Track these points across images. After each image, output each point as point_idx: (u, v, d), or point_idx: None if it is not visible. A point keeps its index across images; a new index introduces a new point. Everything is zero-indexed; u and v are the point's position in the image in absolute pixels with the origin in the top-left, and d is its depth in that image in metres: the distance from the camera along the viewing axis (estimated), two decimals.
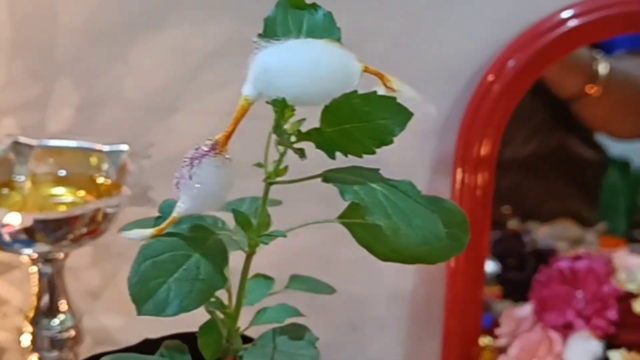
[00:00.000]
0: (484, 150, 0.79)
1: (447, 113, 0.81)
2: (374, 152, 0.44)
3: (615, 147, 1.47)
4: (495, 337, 0.86)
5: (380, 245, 0.48)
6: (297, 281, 0.57)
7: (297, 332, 0.49)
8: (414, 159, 0.83)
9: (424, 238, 0.43)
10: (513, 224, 1.20)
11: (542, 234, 1.20)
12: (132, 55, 0.83)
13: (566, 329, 0.79)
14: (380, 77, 0.46)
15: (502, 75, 0.77)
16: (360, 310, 0.88)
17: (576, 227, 1.24)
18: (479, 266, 0.82)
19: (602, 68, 1.03)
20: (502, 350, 0.83)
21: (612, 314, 0.78)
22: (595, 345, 0.77)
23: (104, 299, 0.91)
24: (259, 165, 0.47)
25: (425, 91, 0.82)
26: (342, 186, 0.43)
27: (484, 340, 0.88)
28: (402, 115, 0.43)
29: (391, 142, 0.44)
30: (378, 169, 0.46)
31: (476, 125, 0.78)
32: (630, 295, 0.80)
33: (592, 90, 1.02)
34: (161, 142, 0.82)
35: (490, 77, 0.78)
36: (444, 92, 0.81)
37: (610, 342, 0.78)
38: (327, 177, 0.44)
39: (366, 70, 0.46)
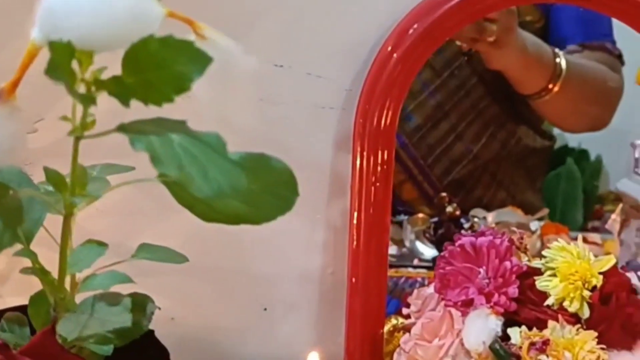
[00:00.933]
0: (383, 123, 0.74)
1: (349, 86, 0.77)
2: (172, 100, 0.40)
3: (573, 136, 1.43)
4: (406, 317, 0.81)
5: (201, 204, 0.43)
6: (146, 250, 0.53)
7: (115, 299, 0.45)
8: (315, 136, 0.79)
9: (220, 189, 0.39)
10: (452, 209, 1.17)
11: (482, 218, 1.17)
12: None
13: (468, 306, 0.74)
14: (190, 23, 0.42)
15: (401, 44, 0.73)
16: (269, 292, 0.84)
17: (521, 213, 1.21)
18: (381, 246, 0.77)
19: (563, 64, 1.00)
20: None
21: (513, 290, 0.73)
22: (494, 322, 0.72)
23: (11, 282, 0.87)
24: (64, 118, 0.43)
25: (327, 64, 0.78)
26: (132, 136, 0.39)
27: (395, 321, 0.84)
28: (201, 60, 0.39)
29: (189, 88, 0.40)
30: (184, 121, 0.42)
31: (375, 97, 0.74)
32: (534, 272, 0.75)
33: (555, 87, 1.00)
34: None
35: (390, 47, 0.74)
36: (346, 65, 0.77)
37: (511, 319, 0.73)
38: (123, 127, 0.40)
39: (171, 15, 0.41)
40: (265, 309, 0.84)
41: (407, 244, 1.18)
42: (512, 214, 1.19)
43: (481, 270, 0.75)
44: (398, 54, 0.72)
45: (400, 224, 1.19)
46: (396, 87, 0.73)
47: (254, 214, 0.44)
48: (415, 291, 0.81)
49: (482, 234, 0.77)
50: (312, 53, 0.76)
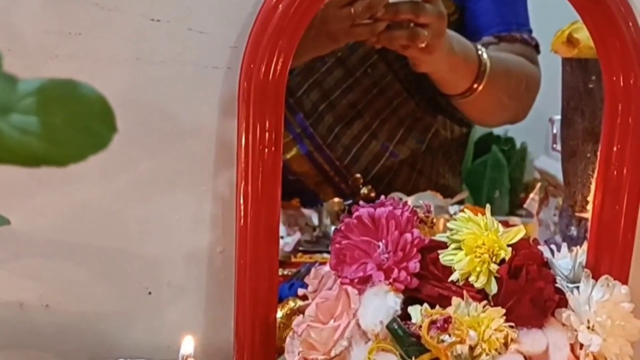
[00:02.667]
0: (271, 80, 0.64)
1: (234, 43, 0.67)
2: None
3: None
4: (303, 298, 0.72)
5: None
6: None
7: None
8: (199, 99, 0.69)
9: None
10: (366, 190, 1.09)
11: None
12: None
13: (365, 284, 0.64)
14: None
15: None
16: (154, 274, 0.73)
17: (440, 197, 1.14)
18: (272, 221, 0.67)
19: (487, 63, 0.95)
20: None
21: (414, 265, 0.64)
22: (393, 300, 0.63)
23: None
24: None
25: (209, 18, 0.68)
26: None
27: (292, 304, 0.74)
28: None
29: None
30: None
31: (260, 53, 0.64)
32: (438, 246, 0.66)
33: (479, 86, 0.95)
34: None
35: None
36: (230, 19, 0.67)
37: (413, 297, 0.64)
38: None
39: None
40: (149, 293, 0.73)
41: (322, 228, 1.09)
42: (431, 198, 1.11)
43: (380, 243, 0.66)
44: (284, 5, 0.63)
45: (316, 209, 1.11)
46: (284, 40, 0.63)
47: (57, 152, 0.34)
48: (313, 270, 0.71)
49: (382, 204, 0.67)
50: (192, 6, 0.66)
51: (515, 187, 1.32)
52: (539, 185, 1.01)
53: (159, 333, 0.73)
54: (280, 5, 0.63)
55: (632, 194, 0.65)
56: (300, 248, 1.04)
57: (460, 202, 1.13)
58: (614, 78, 0.62)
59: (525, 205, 1.02)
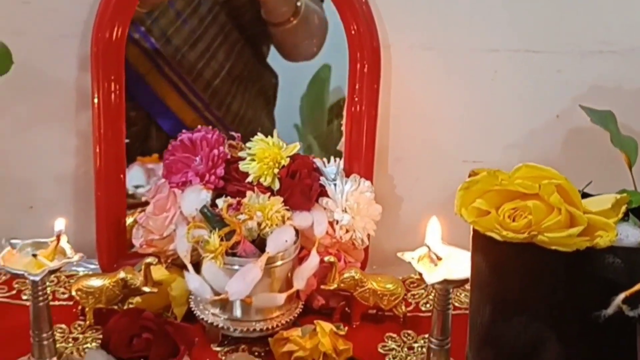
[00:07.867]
0: (114, 44, 0.88)
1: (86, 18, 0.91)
2: None
3: None
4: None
5: None
6: None
7: None
8: (59, 59, 0.92)
9: None
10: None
11: None
12: None
13: (186, 186, 0.90)
14: None
15: None
16: (31, 193, 0.96)
17: None
18: (118, 148, 0.91)
19: (302, 4, 1.12)
20: None
21: (220, 171, 0.90)
22: (204, 195, 0.88)
23: None
24: None
25: (61, 2, 0.91)
26: None
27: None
28: None
29: None
30: None
31: (104, 24, 0.88)
32: (240, 159, 0.91)
33: (294, 20, 1.12)
34: None
35: None
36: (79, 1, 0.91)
37: (220, 193, 0.89)
38: None
39: None
40: (31, 207, 0.96)
41: None
42: None
43: (197, 158, 0.91)
44: None
45: None
46: (125, 14, 0.87)
47: None
48: (153, 184, 0.96)
49: (198, 131, 0.93)
50: None
51: None
52: None
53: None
54: None
55: (369, 121, 0.93)
56: None
57: None
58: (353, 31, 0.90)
59: None
